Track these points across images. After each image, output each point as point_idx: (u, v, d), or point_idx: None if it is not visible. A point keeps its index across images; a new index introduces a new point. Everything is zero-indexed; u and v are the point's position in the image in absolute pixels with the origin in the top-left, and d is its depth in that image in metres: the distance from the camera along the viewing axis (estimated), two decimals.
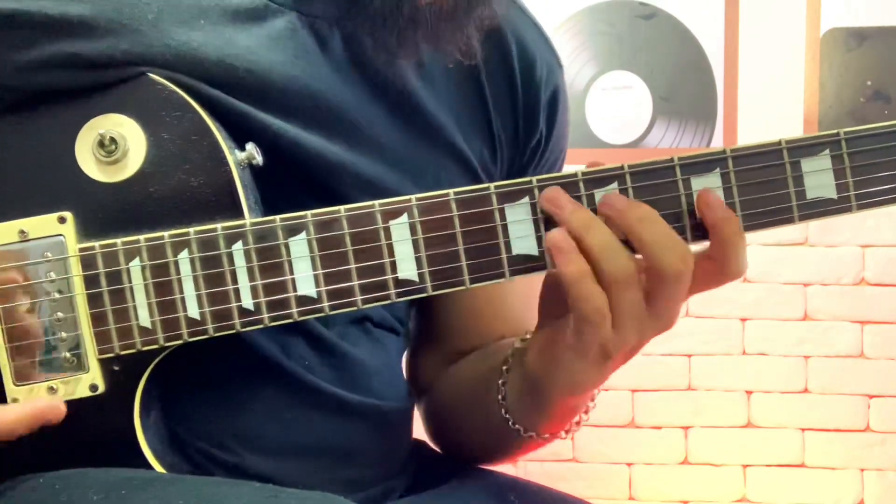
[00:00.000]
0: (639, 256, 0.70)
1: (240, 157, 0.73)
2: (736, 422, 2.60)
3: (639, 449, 2.62)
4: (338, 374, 0.83)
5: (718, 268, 0.71)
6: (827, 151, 0.72)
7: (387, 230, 0.72)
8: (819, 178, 0.73)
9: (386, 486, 0.89)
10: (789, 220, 0.73)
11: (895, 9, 2.47)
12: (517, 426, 0.83)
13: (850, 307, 2.54)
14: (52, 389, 0.72)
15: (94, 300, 0.72)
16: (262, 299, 0.72)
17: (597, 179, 0.72)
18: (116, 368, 0.73)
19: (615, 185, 0.72)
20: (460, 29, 0.80)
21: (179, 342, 0.72)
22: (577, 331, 0.71)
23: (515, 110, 0.88)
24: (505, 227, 0.72)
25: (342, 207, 0.72)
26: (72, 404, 0.73)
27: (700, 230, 0.72)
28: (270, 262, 0.72)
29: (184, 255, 0.72)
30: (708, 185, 0.72)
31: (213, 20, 0.75)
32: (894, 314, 2.52)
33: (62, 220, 0.72)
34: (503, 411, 0.83)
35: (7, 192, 0.73)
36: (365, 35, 0.78)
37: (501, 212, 0.72)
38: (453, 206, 0.72)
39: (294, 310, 0.72)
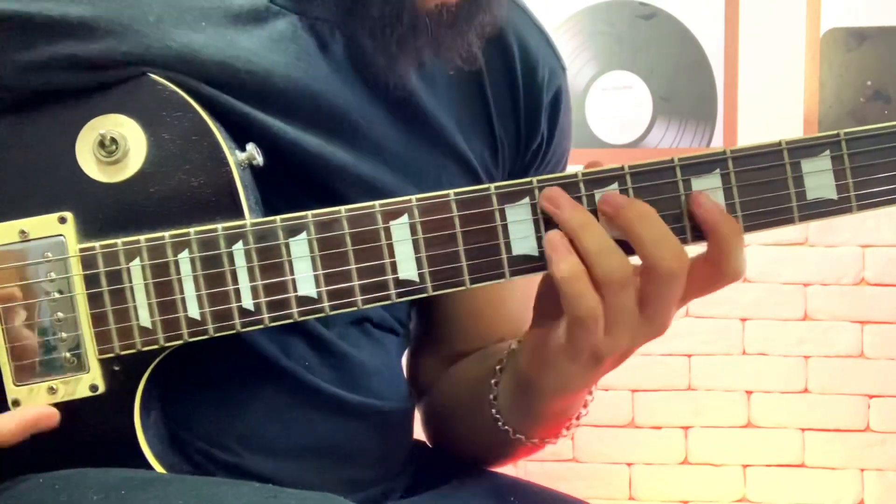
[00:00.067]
0: (634, 259, 0.70)
1: (240, 158, 0.73)
2: (736, 422, 2.60)
3: (639, 449, 2.62)
4: (338, 375, 0.83)
5: (717, 270, 0.71)
6: (827, 152, 0.72)
7: (387, 230, 0.72)
8: (819, 178, 0.73)
9: (386, 487, 0.89)
10: (789, 221, 0.73)
11: (895, 9, 2.47)
12: (506, 427, 0.83)
13: (850, 307, 2.54)
14: (52, 390, 0.72)
15: (94, 300, 0.72)
16: (263, 299, 0.72)
17: (597, 180, 0.72)
18: (117, 368, 0.73)
19: (615, 185, 0.72)
20: (461, 36, 0.80)
21: (180, 342, 0.72)
22: (570, 332, 0.71)
23: (517, 112, 0.88)
24: (505, 227, 0.72)
25: (343, 208, 0.72)
26: (72, 404, 0.73)
27: (700, 231, 0.72)
28: (271, 262, 0.72)
29: (184, 256, 0.72)
30: (708, 185, 0.72)
31: (215, 22, 0.75)
32: (894, 314, 2.52)
33: (62, 221, 0.72)
34: (494, 411, 0.83)
35: (7, 193, 0.73)
36: (365, 40, 0.78)
37: (502, 212, 0.72)
38: (454, 206, 0.72)
39: (294, 310, 0.72)
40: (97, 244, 0.72)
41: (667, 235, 0.70)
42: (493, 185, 0.72)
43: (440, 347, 0.97)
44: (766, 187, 0.72)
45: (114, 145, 0.72)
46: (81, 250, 0.72)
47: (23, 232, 0.72)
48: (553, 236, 0.70)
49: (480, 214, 0.72)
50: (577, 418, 0.84)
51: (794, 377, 2.57)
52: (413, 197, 0.72)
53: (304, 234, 0.72)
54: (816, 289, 2.55)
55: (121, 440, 0.73)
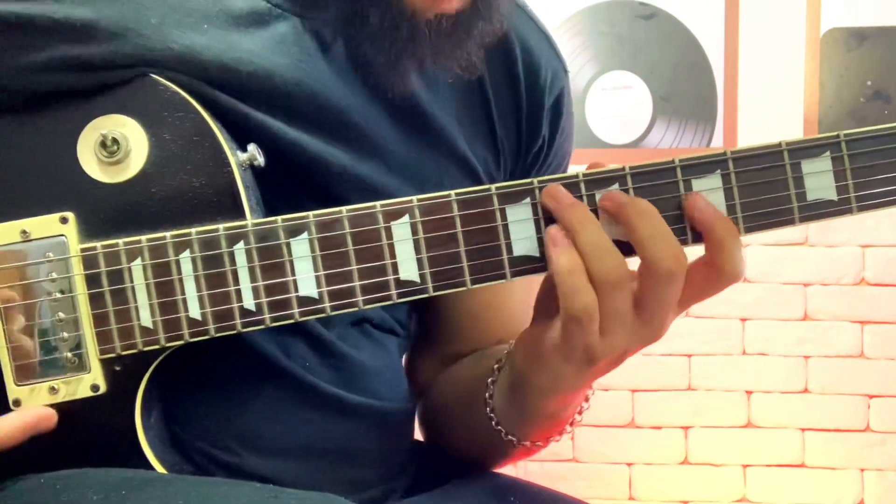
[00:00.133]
0: (634, 263, 0.70)
1: (241, 158, 0.73)
2: (736, 422, 2.60)
3: (639, 449, 2.62)
4: (338, 375, 0.83)
5: (715, 271, 0.71)
6: (827, 153, 0.73)
7: (388, 230, 0.72)
8: (819, 179, 0.73)
9: (386, 487, 0.89)
10: (790, 222, 0.73)
11: (895, 9, 2.47)
12: (499, 427, 0.83)
13: (850, 307, 2.54)
14: (53, 390, 0.73)
15: (95, 300, 0.72)
16: (264, 300, 0.72)
17: (597, 180, 0.72)
18: (118, 369, 0.73)
19: (616, 186, 0.72)
20: (460, 45, 0.80)
21: (181, 342, 0.72)
22: (565, 329, 0.71)
23: (518, 115, 0.88)
24: (506, 227, 0.72)
25: (344, 208, 0.72)
26: (73, 404, 0.73)
27: None
28: (272, 262, 0.72)
29: (185, 256, 0.72)
30: (709, 186, 0.72)
31: (217, 24, 0.75)
32: (894, 314, 2.52)
33: (64, 221, 0.72)
34: (489, 410, 0.83)
35: (9, 193, 0.73)
36: (365, 48, 0.78)
37: (503, 212, 0.72)
38: (454, 206, 0.72)
39: (295, 310, 0.72)
40: (99, 244, 0.72)
41: (666, 234, 0.70)
42: (493, 186, 0.72)
43: (439, 348, 0.97)
44: (767, 188, 0.72)
45: (115, 145, 0.72)
46: (83, 250, 0.72)
47: (24, 232, 0.72)
48: (554, 230, 0.71)
49: (481, 215, 0.72)
50: (571, 424, 0.84)
51: (794, 377, 2.57)
52: (414, 197, 0.72)
53: (305, 235, 0.72)
54: (816, 289, 2.55)
55: (122, 440, 0.73)
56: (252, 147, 0.74)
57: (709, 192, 0.72)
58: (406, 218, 0.72)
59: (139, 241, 0.72)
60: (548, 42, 0.91)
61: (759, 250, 2.53)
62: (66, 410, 0.73)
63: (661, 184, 0.72)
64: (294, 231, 0.72)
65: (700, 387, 2.60)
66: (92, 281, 0.72)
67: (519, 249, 0.72)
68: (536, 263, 0.73)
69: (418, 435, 0.98)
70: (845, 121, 2.48)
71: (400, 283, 0.72)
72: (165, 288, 0.72)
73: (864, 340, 2.54)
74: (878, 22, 2.47)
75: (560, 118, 0.91)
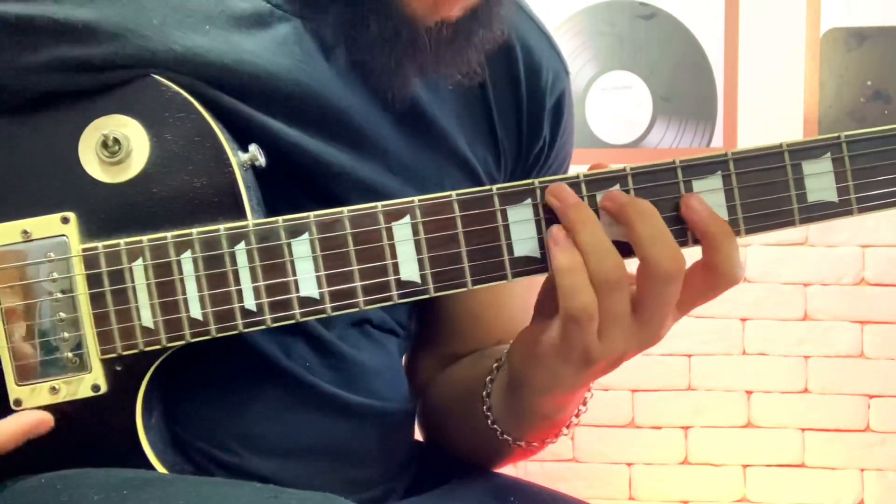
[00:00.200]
0: (632, 265, 0.70)
1: (243, 159, 0.73)
2: (736, 422, 2.60)
3: (639, 449, 2.62)
4: (338, 376, 0.84)
5: (713, 273, 0.71)
6: (828, 154, 0.73)
7: (389, 231, 0.72)
8: (820, 180, 0.73)
9: (387, 487, 0.89)
10: (790, 223, 0.73)
11: (895, 9, 2.47)
12: (496, 426, 0.83)
13: (850, 307, 2.54)
14: (54, 390, 0.73)
15: (96, 300, 0.72)
16: (265, 300, 0.72)
17: (598, 181, 0.72)
18: (119, 369, 0.73)
19: (617, 186, 0.72)
20: (460, 52, 0.80)
21: (182, 343, 0.72)
22: (563, 329, 0.71)
23: (519, 116, 0.88)
24: (507, 228, 0.72)
25: (345, 209, 0.72)
26: (74, 404, 0.73)
27: None
28: (273, 262, 0.72)
29: (187, 256, 0.72)
30: (709, 187, 0.72)
31: (219, 25, 0.75)
32: (894, 314, 2.52)
33: (65, 221, 0.72)
34: (485, 408, 0.83)
35: (10, 193, 0.73)
36: (365, 55, 0.78)
37: (503, 213, 0.72)
38: (455, 207, 0.72)
39: (296, 311, 0.72)
40: (100, 244, 0.72)
41: (665, 235, 0.70)
42: (494, 186, 0.72)
43: (439, 348, 0.97)
44: (767, 189, 0.72)
45: (117, 146, 0.72)
46: (84, 250, 0.72)
47: (25, 232, 0.72)
48: (556, 230, 0.71)
49: (482, 215, 0.72)
50: (568, 427, 0.84)
51: (794, 377, 2.57)
52: (415, 198, 0.72)
53: (306, 235, 0.72)
54: (816, 289, 2.55)
55: (122, 440, 0.73)
56: (253, 147, 0.74)
57: (709, 193, 0.72)
58: (407, 218, 0.72)
59: (140, 242, 0.72)
60: (549, 43, 0.91)
61: (759, 250, 2.53)
62: (67, 410, 0.73)
63: (662, 185, 0.72)
64: (295, 231, 0.72)
65: (700, 387, 2.60)
66: (93, 281, 0.72)
67: (520, 250, 0.72)
68: (537, 264, 0.73)
69: (418, 435, 0.98)
70: (845, 121, 2.48)
71: (401, 283, 0.72)
72: (166, 288, 0.72)
73: (864, 340, 2.54)
74: (878, 22, 2.47)
75: (561, 119, 0.91)
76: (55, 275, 0.72)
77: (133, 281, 0.72)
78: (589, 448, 2.62)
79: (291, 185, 0.78)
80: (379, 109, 0.80)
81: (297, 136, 0.77)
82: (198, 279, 0.72)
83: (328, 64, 0.79)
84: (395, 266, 0.72)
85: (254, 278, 0.72)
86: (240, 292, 0.72)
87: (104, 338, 0.72)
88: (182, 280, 0.72)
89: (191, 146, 0.72)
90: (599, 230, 0.70)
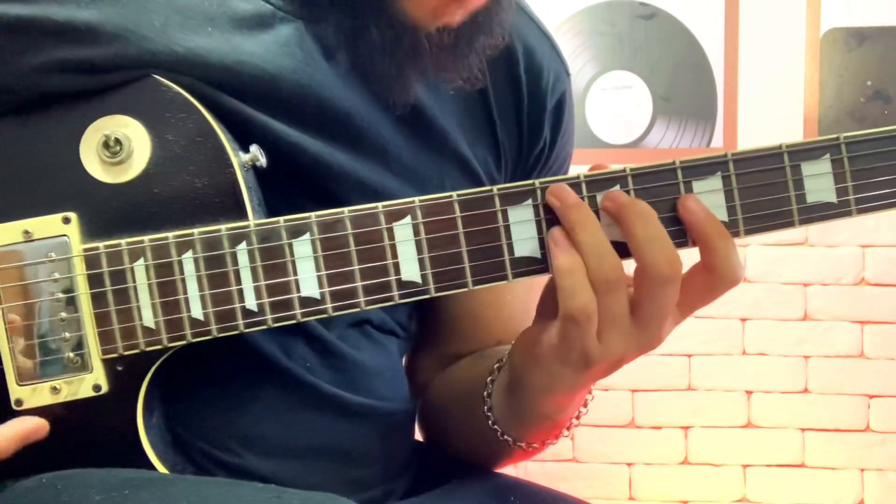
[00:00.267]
0: (628, 267, 0.70)
1: (244, 159, 0.73)
2: (736, 422, 2.60)
3: (639, 449, 2.62)
4: (338, 376, 0.84)
5: (712, 275, 0.71)
6: (827, 156, 0.73)
7: (390, 231, 0.72)
8: (819, 181, 0.73)
9: (387, 487, 0.89)
10: (790, 224, 0.73)
11: (895, 9, 2.47)
12: (496, 426, 0.83)
13: (850, 307, 2.54)
14: (55, 389, 0.73)
15: (97, 300, 0.72)
16: (266, 300, 0.72)
17: (599, 181, 0.72)
18: (120, 369, 0.73)
19: (617, 187, 0.72)
20: (462, 58, 0.80)
21: (183, 343, 0.72)
22: (562, 329, 0.71)
23: (520, 117, 0.88)
24: (507, 228, 0.72)
25: (346, 209, 0.72)
26: (75, 404, 0.73)
27: None
28: (274, 262, 0.72)
29: (188, 256, 0.72)
30: (709, 188, 0.72)
31: (220, 27, 0.75)
32: (894, 314, 2.52)
33: (66, 221, 0.72)
34: (486, 408, 0.84)
35: (11, 193, 0.73)
36: (366, 61, 0.78)
37: (504, 213, 0.72)
38: (456, 207, 0.72)
39: (298, 311, 0.72)
40: (101, 244, 0.72)
41: (662, 237, 0.70)
42: (495, 187, 0.72)
43: (439, 348, 0.97)
44: (767, 190, 0.73)
45: (118, 146, 0.72)
46: (85, 250, 0.72)
47: (26, 232, 0.72)
48: (556, 231, 0.71)
49: (483, 216, 0.72)
50: (568, 429, 0.84)
51: (794, 377, 2.57)
52: (416, 198, 0.72)
53: (307, 235, 0.72)
54: (816, 289, 2.55)
55: (123, 440, 0.73)
56: (254, 148, 0.74)
57: (709, 194, 0.72)
58: (408, 219, 0.72)
59: (142, 242, 0.72)
60: (550, 44, 0.91)
61: (759, 250, 2.53)
62: (68, 410, 0.73)
63: (662, 185, 0.72)
64: (296, 232, 0.72)
65: (700, 387, 2.60)
66: (94, 281, 0.72)
67: (520, 250, 0.73)
68: (538, 265, 0.73)
69: (418, 435, 0.98)
70: (845, 121, 2.48)
71: (402, 283, 0.72)
72: (168, 288, 0.72)
73: (864, 340, 2.54)
74: (878, 22, 2.48)
75: (562, 121, 0.91)
76: (56, 275, 0.72)
77: (134, 281, 0.72)
78: (589, 448, 2.62)
79: (292, 185, 0.78)
80: (379, 110, 0.81)
81: (298, 137, 0.77)
82: (199, 279, 0.72)
83: (329, 65, 0.79)
84: (396, 266, 0.72)
85: (255, 278, 0.72)
86: (241, 292, 0.72)
87: (105, 338, 0.72)
88: (183, 280, 0.72)
89: (192, 147, 0.72)
90: (599, 231, 0.70)
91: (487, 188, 0.72)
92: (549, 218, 0.72)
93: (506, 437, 0.84)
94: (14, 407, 0.72)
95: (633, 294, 0.70)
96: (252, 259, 0.72)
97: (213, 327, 0.72)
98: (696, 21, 2.53)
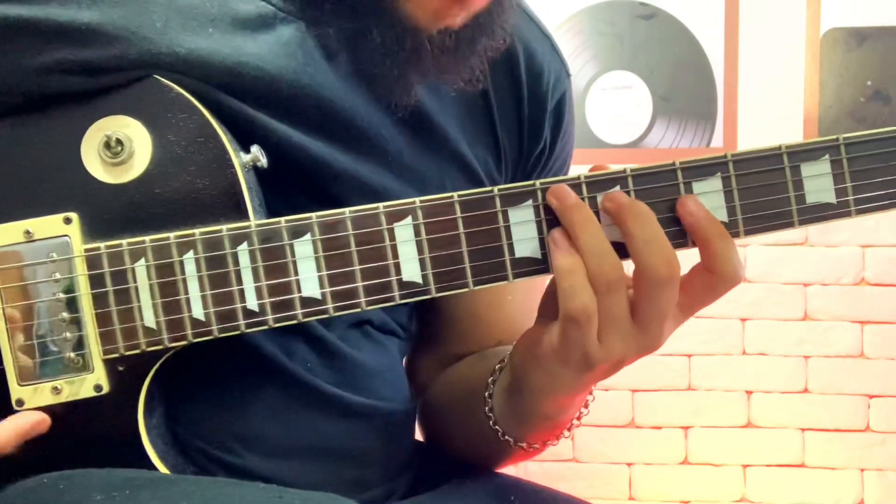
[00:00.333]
0: (628, 268, 0.71)
1: (245, 160, 0.73)
2: (736, 422, 2.60)
3: (639, 449, 2.62)
4: (339, 376, 0.84)
5: (712, 275, 0.71)
6: (826, 156, 0.73)
7: (391, 232, 0.72)
8: (818, 182, 0.73)
9: (388, 487, 0.89)
10: (789, 225, 0.73)
11: (895, 9, 2.47)
12: (497, 427, 0.84)
13: (850, 307, 2.54)
14: (56, 390, 0.73)
15: (98, 300, 0.72)
16: (267, 300, 0.72)
17: (599, 182, 0.72)
18: (121, 369, 0.73)
19: (617, 188, 0.72)
20: (463, 61, 0.80)
21: (184, 343, 0.72)
22: (563, 330, 0.71)
23: (520, 119, 0.88)
24: (508, 229, 0.72)
25: (347, 210, 0.72)
26: (76, 404, 0.73)
27: None
28: (275, 263, 0.72)
29: (189, 256, 0.72)
30: (709, 188, 0.72)
31: (222, 28, 0.75)
32: (894, 314, 2.52)
33: (68, 221, 0.72)
34: (487, 409, 0.84)
35: (13, 193, 0.73)
36: (368, 63, 0.78)
37: (505, 214, 0.72)
38: (457, 208, 0.72)
39: (299, 311, 0.72)
40: (102, 245, 0.72)
41: (659, 239, 0.70)
42: (496, 188, 0.72)
43: (439, 348, 0.97)
44: (767, 190, 0.73)
45: (119, 146, 0.72)
46: (86, 251, 0.72)
47: (28, 232, 0.72)
48: (557, 233, 0.71)
49: (484, 216, 0.72)
50: (569, 429, 0.84)
51: (794, 377, 2.57)
52: (417, 199, 0.72)
53: (308, 236, 0.72)
54: (816, 289, 2.55)
55: (124, 440, 0.73)
56: (255, 148, 0.74)
57: (709, 195, 0.72)
58: (409, 219, 0.72)
59: (143, 242, 0.72)
60: (550, 45, 0.91)
61: (759, 250, 2.53)
62: (69, 410, 0.73)
63: (662, 186, 0.72)
64: (297, 232, 0.72)
65: (700, 387, 2.60)
66: (95, 281, 0.72)
67: (521, 251, 0.73)
68: (538, 265, 0.73)
69: (419, 435, 0.98)
70: (845, 121, 2.48)
71: (402, 284, 0.73)
72: (169, 288, 0.72)
73: (864, 340, 2.54)
74: (878, 22, 2.48)
75: (562, 122, 0.91)
76: (57, 275, 0.72)
77: (135, 281, 0.72)
78: (589, 448, 2.63)
79: (293, 186, 0.78)
80: (380, 111, 0.81)
81: (299, 138, 0.77)
82: (200, 279, 0.72)
83: (330, 66, 0.79)
84: (397, 266, 0.72)
85: (256, 278, 0.72)
86: (242, 292, 0.72)
87: (106, 338, 0.72)
88: (184, 280, 0.72)
89: (193, 147, 0.72)
90: (599, 231, 0.70)
91: (488, 189, 0.72)
92: (549, 218, 0.72)
93: (507, 437, 0.84)
94: (15, 407, 0.72)
95: (632, 295, 0.70)
96: (253, 259, 0.72)
97: (215, 327, 0.72)
98: (696, 21, 2.53)
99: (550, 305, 0.74)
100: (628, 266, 0.71)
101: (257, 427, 0.80)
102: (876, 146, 0.73)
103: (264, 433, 0.80)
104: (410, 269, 0.72)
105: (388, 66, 0.77)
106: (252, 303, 0.72)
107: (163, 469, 0.74)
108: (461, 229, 0.72)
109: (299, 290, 0.72)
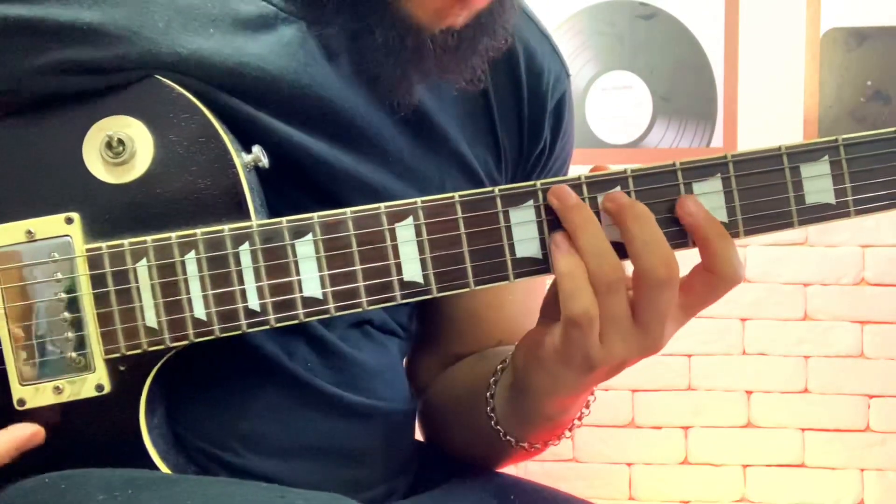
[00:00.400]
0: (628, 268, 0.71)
1: (246, 160, 0.74)
2: (736, 422, 2.60)
3: (639, 449, 2.63)
4: (339, 376, 0.84)
5: (712, 275, 0.71)
6: (826, 157, 0.73)
7: (392, 232, 0.72)
8: (818, 183, 0.73)
9: (388, 487, 0.89)
10: (789, 225, 0.73)
11: (895, 9, 2.47)
12: (498, 427, 0.84)
13: (850, 307, 2.54)
14: (57, 389, 0.73)
15: (100, 300, 0.72)
16: (269, 300, 0.72)
17: (599, 182, 0.72)
18: (122, 369, 0.73)
19: (618, 188, 0.72)
20: (465, 61, 0.80)
21: (186, 343, 0.73)
22: (564, 332, 0.71)
23: (520, 119, 0.88)
24: (509, 229, 0.73)
25: (348, 210, 0.72)
26: (77, 404, 0.73)
27: None
28: (277, 263, 0.72)
29: (191, 256, 0.72)
30: (709, 189, 0.73)
31: (223, 28, 0.76)
32: (894, 314, 2.53)
33: (69, 221, 0.72)
34: (489, 409, 0.84)
35: (14, 193, 0.73)
36: (370, 62, 0.78)
37: (506, 214, 0.73)
38: (458, 208, 0.72)
39: (300, 311, 0.73)
40: (104, 245, 0.72)
41: (658, 240, 0.70)
42: (497, 188, 0.73)
43: (439, 348, 0.98)
44: (767, 191, 0.73)
45: (121, 146, 0.72)
46: (88, 251, 0.72)
47: (29, 232, 0.72)
48: (558, 236, 0.71)
49: (485, 216, 0.73)
50: (570, 429, 0.85)
51: (794, 377, 2.57)
52: (418, 199, 0.73)
53: (309, 236, 0.72)
54: (816, 289, 2.55)
55: (126, 440, 0.74)
56: (256, 149, 0.74)
57: (709, 195, 0.73)
58: (410, 220, 0.72)
59: (144, 242, 0.72)
60: (550, 45, 0.91)
61: (759, 250, 2.54)
62: (71, 410, 0.73)
63: (662, 186, 0.73)
64: (299, 232, 0.72)
65: (700, 387, 2.60)
66: (97, 281, 0.72)
67: (522, 251, 0.73)
68: (539, 265, 0.73)
69: (419, 435, 0.99)
70: (845, 121, 2.48)
71: (404, 283, 0.73)
72: (170, 288, 0.72)
73: (864, 340, 2.54)
74: (878, 22, 2.48)
75: (562, 122, 0.91)
76: (59, 275, 0.72)
77: (137, 281, 0.72)
78: (589, 448, 2.63)
79: (294, 186, 0.78)
80: (381, 111, 0.81)
81: (300, 138, 0.77)
82: (201, 279, 0.72)
83: (331, 66, 0.79)
84: (398, 266, 0.73)
85: (257, 278, 0.72)
86: (243, 292, 0.72)
87: (108, 338, 0.72)
88: (186, 280, 0.72)
89: (195, 147, 0.73)
90: (599, 232, 0.70)
91: (489, 189, 0.73)
92: (550, 219, 0.72)
93: (508, 437, 0.84)
94: (17, 407, 0.72)
95: (631, 297, 0.71)
96: (255, 259, 0.72)
97: (216, 327, 0.72)
98: (696, 21, 2.53)
99: (552, 307, 0.74)
100: (629, 267, 0.71)
101: (258, 427, 0.80)
102: (875, 147, 0.73)
103: (265, 433, 0.80)
104: (411, 269, 0.73)
105: (389, 65, 0.77)
106: (253, 303, 0.72)
107: (164, 469, 0.74)
108: (462, 229, 0.72)
109: (301, 290, 0.72)
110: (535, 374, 0.76)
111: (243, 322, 0.72)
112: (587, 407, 0.83)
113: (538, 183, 0.72)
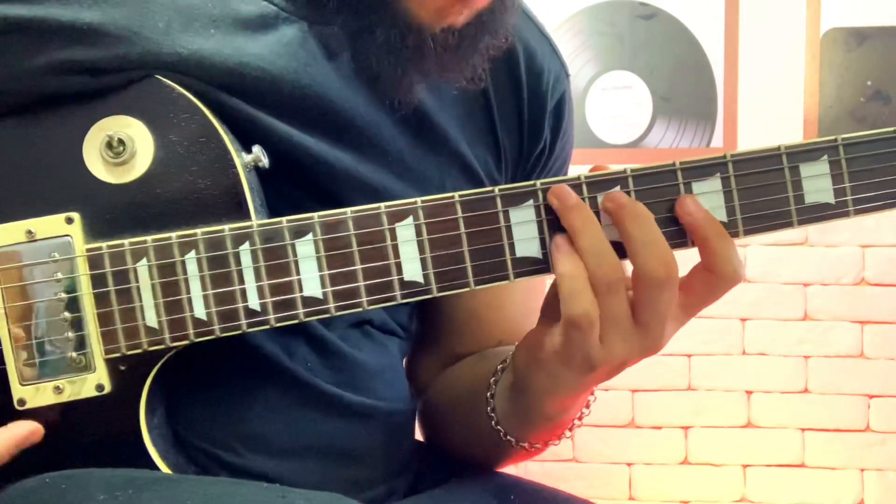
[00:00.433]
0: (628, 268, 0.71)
1: (246, 160, 0.74)
2: (736, 422, 2.60)
3: (639, 449, 2.63)
4: (339, 376, 0.84)
5: (712, 275, 0.71)
6: (825, 157, 0.73)
7: (392, 232, 0.72)
8: (817, 182, 0.73)
9: (388, 487, 0.89)
10: (788, 225, 0.73)
11: (895, 9, 2.47)
12: (499, 427, 0.84)
13: (850, 307, 2.54)
14: (58, 389, 0.73)
15: (100, 300, 0.72)
16: (269, 300, 0.72)
17: (599, 182, 0.72)
18: (123, 368, 0.73)
19: (618, 188, 0.72)
20: (466, 60, 0.80)
21: (186, 342, 0.73)
22: (565, 333, 0.71)
23: (520, 119, 0.89)
24: (509, 229, 0.73)
25: (348, 209, 0.72)
26: (78, 404, 0.73)
27: None
28: (277, 262, 0.72)
29: (191, 256, 0.72)
30: (709, 189, 0.73)
31: (224, 28, 0.76)
32: (894, 314, 2.53)
33: (69, 221, 0.72)
34: (489, 409, 0.84)
35: (15, 193, 0.73)
36: (371, 61, 0.78)
37: (506, 214, 0.73)
38: (458, 208, 0.73)
39: (300, 310, 0.73)
40: (104, 244, 0.72)
41: (657, 240, 0.70)
42: (497, 188, 0.73)
43: (440, 348, 0.98)
44: (766, 191, 0.73)
45: (121, 146, 0.72)
46: (88, 251, 0.72)
47: (30, 232, 0.72)
48: (559, 237, 0.71)
49: (485, 216, 0.73)
50: (571, 429, 0.85)
51: (794, 377, 2.57)
52: (418, 199, 0.73)
53: (310, 236, 0.72)
54: (816, 289, 2.55)
55: (126, 440, 0.74)
56: (257, 149, 0.74)
57: (709, 195, 0.73)
58: (410, 219, 0.72)
59: (145, 242, 0.72)
60: (550, 45, 0.91)
61: (759, 250, 2.54)
62: (71, 410, 0.73)
63: (662, 186, 0.73)
64: (299, 232, 0.72)
65: (700, 387, 2.60)
66: (97, 281, 0.72)
67: (522, 251, 0.73)
68: (539, 265, 0.73)
69: (419, 435, 0.99)
70: (845, 121, 2.48)
71: (404, 283, 0.73)
72: (171, 288, 0.72)
73: (864, 340, 2.54)
74: (878, 22, 2.48)
75: (561, 122, 0.91)
76: (59, 275, 0.72)
77: (137, 281, 0.72)
78: (589, 448, 2.63)
79: (294, 186, 0.78)
80: (381, 111, 0.81)
81: (300, 138, 0.77)
82: (202, 279, 0.72)
83: (332, 66, 0.79)
84: (399, 266, 0.73)
85: (258, 278, 0.72)
86: (244, 292, 0.72)
87: (108, 337, 0.72)
88: (186, 280, 0.72)
89: (195, 147, 0.73)
90: (599, 232, 0.70)
91: (489, 189, 0.73)
92: (550, 218, 0.72)
93: (508, 437, 0.84)
94: (17, 407, 0.73)
95: (631, 297, 0.71)
96: (255, 259, 0.72)
97: (216, 327, 0.72)
98: (696, 21, 2.53)
99: (553, 308, 0.74)
100: (629, 267, 0.71)
101: (258, 427, 0.80)
102: (874, 147, 0.73)
103: (265, 433, 0.80)
104: (412, 269, 0.73)
105: (390, 64, 0.78)
106: (254, 302, 0.72)
107: (164, 469, 0.74)
108: (462, 229, 0.73)
109: (301, 290, 0.72)
110: (535, 375, 0.76)
111: (243, 322, 0.72)
112: (587, 407, 0.83)
113: (538, 183, 0.73)
